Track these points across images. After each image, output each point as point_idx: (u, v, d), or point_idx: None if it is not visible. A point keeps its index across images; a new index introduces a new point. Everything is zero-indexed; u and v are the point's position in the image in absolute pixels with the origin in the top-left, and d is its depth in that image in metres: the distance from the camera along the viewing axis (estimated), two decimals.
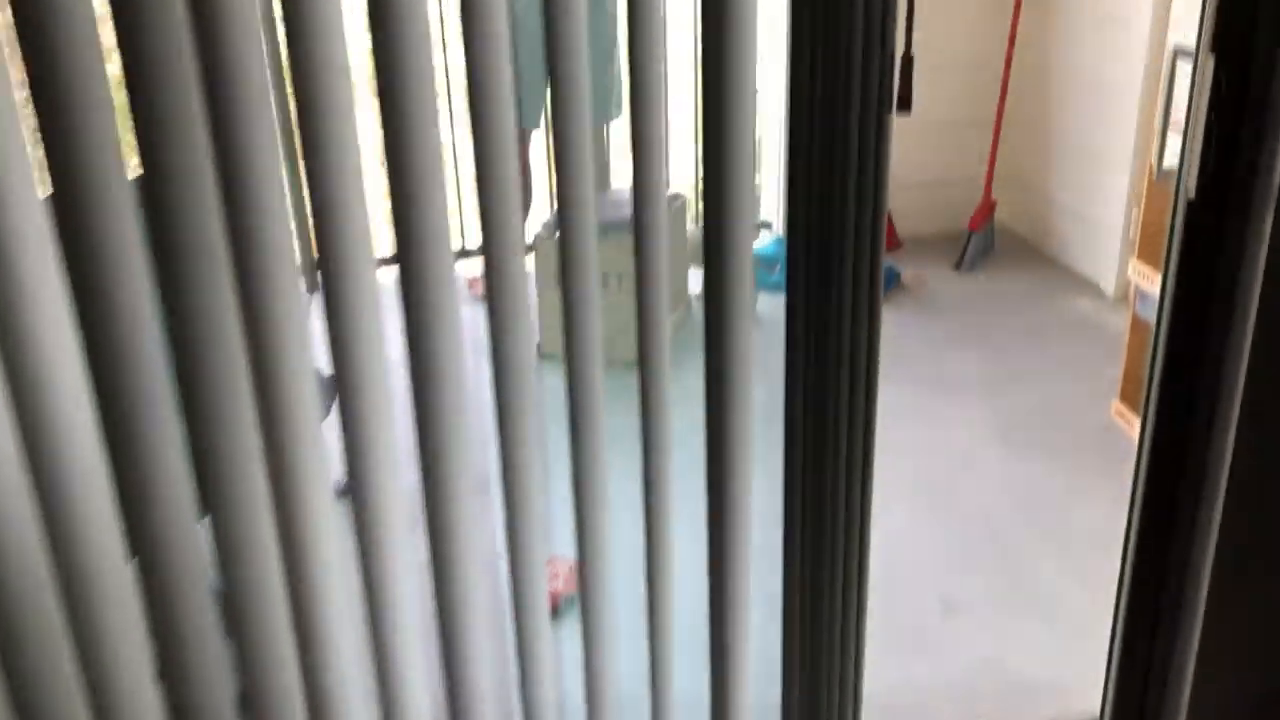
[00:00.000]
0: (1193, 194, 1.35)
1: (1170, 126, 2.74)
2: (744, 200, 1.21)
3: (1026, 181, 4.38)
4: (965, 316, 3.93)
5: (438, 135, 1.09)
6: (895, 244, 4.40)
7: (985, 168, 4.30)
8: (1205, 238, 1.36)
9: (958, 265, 4.22)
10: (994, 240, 4.35)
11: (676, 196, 3.59)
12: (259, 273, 1.04)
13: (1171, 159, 2.75)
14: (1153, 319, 1.49)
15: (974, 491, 2.88)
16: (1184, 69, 2.66)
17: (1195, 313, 1.40)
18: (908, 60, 3.61)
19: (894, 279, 4.08)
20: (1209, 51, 1.28)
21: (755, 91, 1.18)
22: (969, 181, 4.37)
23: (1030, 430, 3.14)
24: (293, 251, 1.06)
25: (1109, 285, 3.91)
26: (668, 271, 1.28)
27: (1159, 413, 1.48)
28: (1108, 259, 3.90)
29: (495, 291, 1.20)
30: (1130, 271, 3.00)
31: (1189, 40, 1.49)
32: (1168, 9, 3.28)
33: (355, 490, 1.20)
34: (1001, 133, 4.25)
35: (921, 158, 4.39)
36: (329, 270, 1.09)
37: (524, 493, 1.31)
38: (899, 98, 2.86)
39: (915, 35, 4.10)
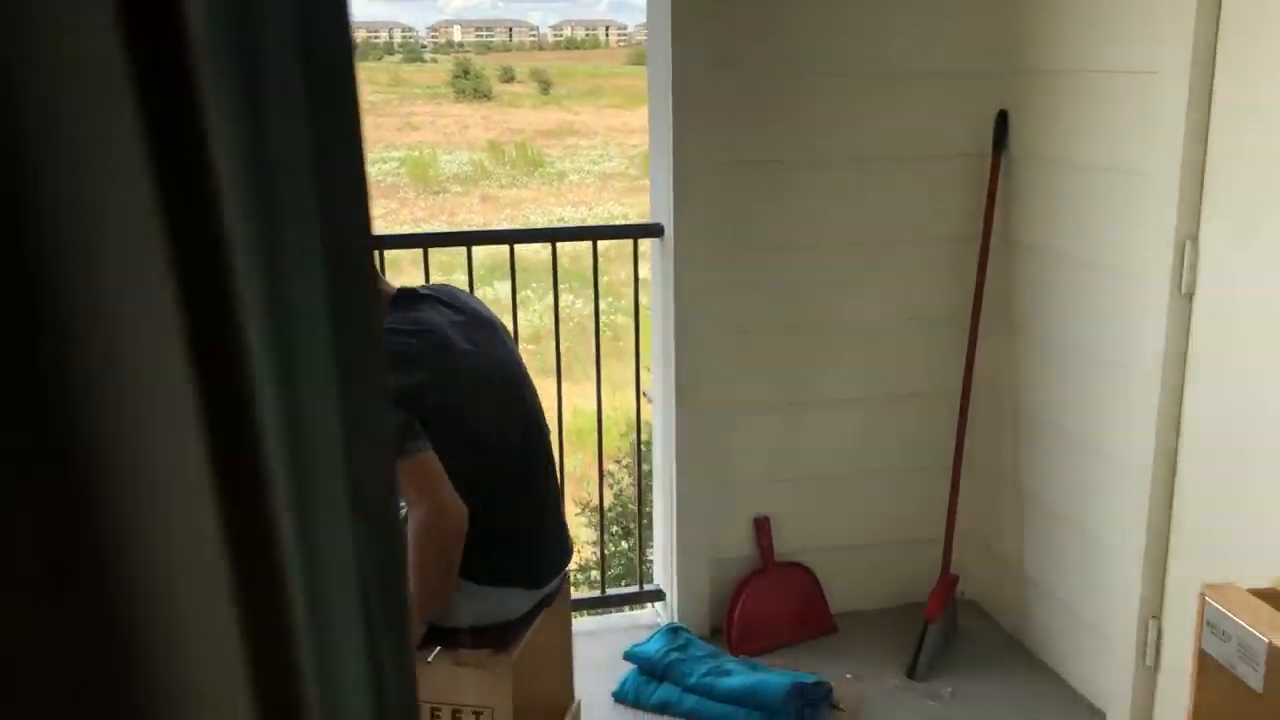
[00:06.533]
0: None
1: None
2: None
3: (997, 553, 3.48)
4: None
5: None
6: (828, 627, 3.40)
7: (943, 529, 3.40)
8: None
9: (910, 671, 3.19)
10: (956, 625, 3.39)
11: None
12: None
13: None
14: None
15: None
16: None
17: None
18: None
19: (823, 699, 3.00)
20: None
21: None
22: (923, 545, 3.46)
23: None
24: None
25: (1119, 712, 2.90)
26: None
27: None
28: (1110, 672, 2.93)
29: None
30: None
31: None
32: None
33: None
34: (961, 487, 3.39)
35: (861, 514, 3.50)
36: None
37: None
38: None
39: (849, 370, 3.31)
